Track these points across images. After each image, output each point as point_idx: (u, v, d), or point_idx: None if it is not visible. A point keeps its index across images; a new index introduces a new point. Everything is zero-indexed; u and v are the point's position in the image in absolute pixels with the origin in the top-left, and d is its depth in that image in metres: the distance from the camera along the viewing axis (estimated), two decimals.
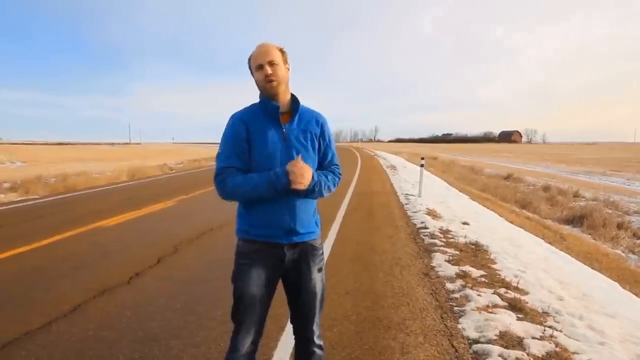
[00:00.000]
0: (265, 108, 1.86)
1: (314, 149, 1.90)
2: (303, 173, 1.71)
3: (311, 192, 1.81)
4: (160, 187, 13.29)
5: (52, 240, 5.92)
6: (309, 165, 1.79)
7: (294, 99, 1.91)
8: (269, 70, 1.79)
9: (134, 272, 4.50)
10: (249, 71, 1.88)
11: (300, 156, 1.76)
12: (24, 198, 10.51)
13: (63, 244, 5.78)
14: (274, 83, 1.80)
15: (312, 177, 1.76)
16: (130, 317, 3.41)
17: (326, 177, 1.89)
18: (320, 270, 1.96)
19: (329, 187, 1.89)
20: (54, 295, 3.88)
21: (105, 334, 3.12)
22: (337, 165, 2.00)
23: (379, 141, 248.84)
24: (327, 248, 5.57)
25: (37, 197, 10.73)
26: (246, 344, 1.86)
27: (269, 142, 1.81)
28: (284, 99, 1.87)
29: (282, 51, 1.86)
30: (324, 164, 1.97)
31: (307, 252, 1.90)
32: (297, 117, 1.88)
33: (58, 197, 10.73)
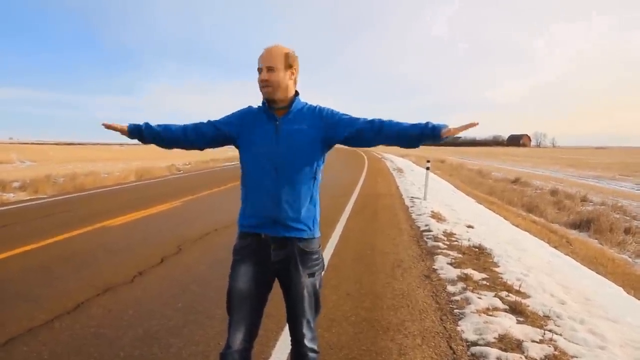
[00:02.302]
0: (261, 106, 1.98)
1: (306, 141, 1.90)
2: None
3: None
4: (168, 187, 13.37)
5: (58, 239, 5.98)
6: (300, 157, 1.87)
7: (295, 95, 1.97)
8: (265, 75, 1.86)
9: (137, 271, 4.54)
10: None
11: None
12: (32, 197, 10.63)
13: (69, 242, 5.85)
14: (270, 89, 1.88)
15: None
16: (131, 315, 3.45)
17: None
18: (311, 275, 1.93)
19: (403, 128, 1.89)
20: (58, 292, 3.93)
21: (107, 332, 3.16)
22: (372, 120, 1.93)
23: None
24: (329, 249, 5.60)
25: (45, 196, 10.85)
26: (238, 340, 1.87)
27: (261, 134, 1.90)
28: (284, 98, 1.92)
29: (286, 54, 1.88)
30: (358, 130, 1.91)
31: (295, 255, 1.90)
32: (292, 111, 1.93)
33: (66, 196, 10.83)
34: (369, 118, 1.94)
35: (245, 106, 2.04)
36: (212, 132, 1.99)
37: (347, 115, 1.97)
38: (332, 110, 1.98)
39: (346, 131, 1.91)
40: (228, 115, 2.04)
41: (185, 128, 2.01)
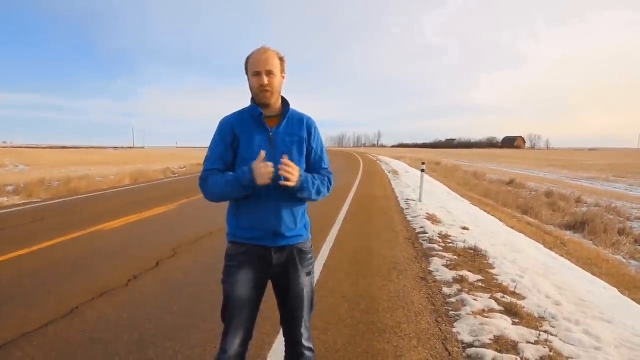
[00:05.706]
0: (252, 114, 1.89)
1: (300, 151, 1.91)
2: (290, 170, 1.74)
3: (300, 190, 1.81)
4: (163, 190, 13.32)
5: (52, 243, 5.95)
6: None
7: (285, 103, 1.94)
8: (265, 80, 1.81)
9: (133, 275, 4.52)
10: (244, 70, 1.89)
11: (286, 156, 1.78)
12: (26, 201, 10.58)
13: (63, 246, 5.81)
14: (268, 94, 1.83)
15: (300, 175, 1.78)
16: (127, 319, 3.43)
17: (314, 179, 1.89)
18: (309, 274, 1.97)
19: (318, 189, 1.89)
20: (52, 297, 3.91)
21: (102, 336, 3.14)
22: (326, 169, 2.00)
23: (382, 146, 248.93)
24: (325, 252, 5.59)
25: (39, 200, 10.79)
26: (235, 345, 1.87)
27: (255, 146, 1.84)
28: (275, 105, 1.91)
29: (281, 59, 1.87)
30: (312, 168, 1.97)
31: (294, 256, 1.92)
32: (285, 121, 1.91)
33: (60, 200, 10.78)
34: (324, 167, 2.00)
35: (218, 124, 1.95)
36: (231, 154, 1.90)
37: (321, 156, 2.00)
38: (320, 141, 2.01)
39: (309, 162, 1.97)
40: (220, 139, 1.92)
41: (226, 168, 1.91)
